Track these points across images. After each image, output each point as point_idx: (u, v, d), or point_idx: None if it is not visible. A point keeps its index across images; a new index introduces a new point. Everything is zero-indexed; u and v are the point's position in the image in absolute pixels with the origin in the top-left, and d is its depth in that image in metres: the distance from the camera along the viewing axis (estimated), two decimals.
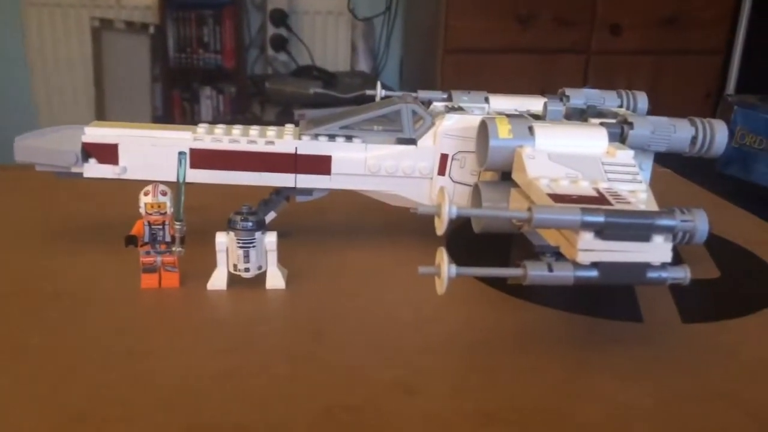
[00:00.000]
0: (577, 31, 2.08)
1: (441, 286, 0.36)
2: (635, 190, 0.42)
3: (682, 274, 0.36)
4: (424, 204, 0.52)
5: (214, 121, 2.08)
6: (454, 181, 0.51)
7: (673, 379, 0.38)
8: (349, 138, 0.51)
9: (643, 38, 2.08)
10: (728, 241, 0.59)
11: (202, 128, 0.51)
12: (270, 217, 0.53)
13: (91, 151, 0.50)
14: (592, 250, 0.35)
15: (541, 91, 1.85)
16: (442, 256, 0.36)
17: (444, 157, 0.51)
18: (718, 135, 0.47)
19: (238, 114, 2.28)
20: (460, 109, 0.54)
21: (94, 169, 0.50)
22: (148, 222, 0.45)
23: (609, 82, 2.11)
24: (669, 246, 0.35)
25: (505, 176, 0.47)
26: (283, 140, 0.50)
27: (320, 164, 0.51)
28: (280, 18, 2.30)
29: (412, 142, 0.51)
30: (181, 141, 0.50)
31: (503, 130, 0.45)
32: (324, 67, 2.30)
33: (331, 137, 0.51)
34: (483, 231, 0.48)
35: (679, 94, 2.13)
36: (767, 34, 2.04)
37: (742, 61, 1.91)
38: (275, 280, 0.46)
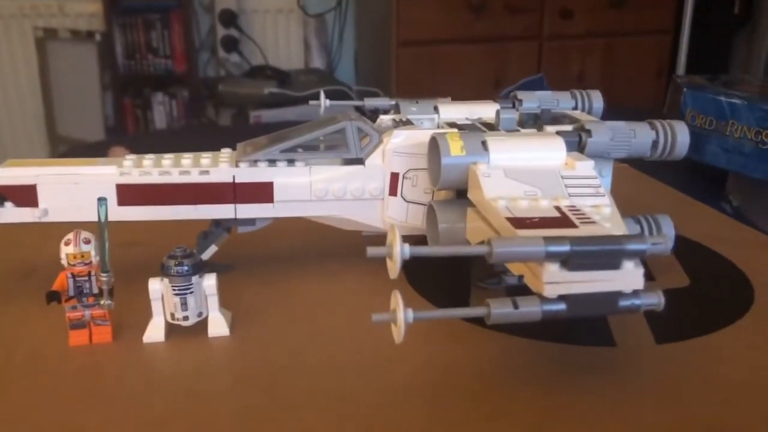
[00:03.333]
0: (528, 18, 2.07)
1: (398, 335, 0.32)
2: (598, 205, 0.39)
3: (656, 299, 0.33)
4: (376, 227, 0.49)
5: (168, 127, 2.03)
6: (407, 201, 0.48)
7: (650, 411, 0.36)
8: (291, 162, 0.47)
9: (594, 21, 2.08)
10: (692, 241, 0.56)
11: (129, 161, 0.47)
12: (211, 251, 0.49)
13: (6, 193, 0.45)
14: (559, 282, 0.32)
15: (496, 82, 1.83)
16: (397, 300, 0.32)
17: (395, 176, 0.47)
18: (680, 137, 0.44)
19: (193, 118, 2.22)
20: (408, 123, 0.50)
21: (11, 214, 0.46)
22: (72, 274, 0.40)
23: (563, 66, 2.11)
24: (640, 272, 0.32)
25: (461, 193, 0.43)
26: (219, 169, 0.46)
27: (261, 192, 0.47)
28: (230, 18, 2.25)
29: (359, 161, 0.47)
30: (107, 177, 0.46)
31: (455, 147, 0.42)
32: (278, 66, 2.26)
33: (272, 162, 0.47)
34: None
35: (632, 73, 2.13)
36: (713, 12, 2.05)
37: (690, 39, 1.91)
38: (218, 327, 0.42)
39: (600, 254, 0.32)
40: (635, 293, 0.32)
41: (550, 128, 0.47)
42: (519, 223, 0.35)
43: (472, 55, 2.10)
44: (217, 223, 0.49)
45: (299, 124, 0.50)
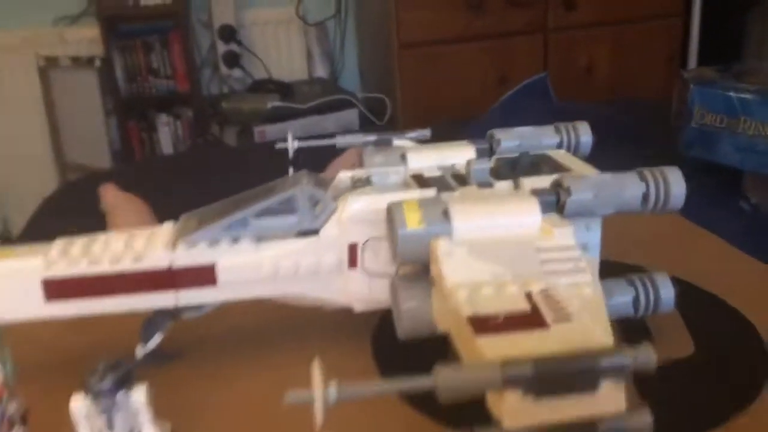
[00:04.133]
0: (530, 11, 2.01)
1: (318, 417, 0.27)
2: (578, 284, 0.33)
3: (644, 421, 0.27)
4: (337, 302, 0.43)
5: (174, 148, 2.00)
6: (369, 274, 0.42)
7: None
8: (235, 239, 0.42)
9: (599, 10, 2.01)
10: (703, 291, 0.49)
11: (56, 248, 0.42)
12: (155, 341, 0.44)
13: None
14: (523, 413, 0.26)
15: (501, 78, 1.77)
16: (317, 374, 0.27)
17: (353, 247, 0.42)
18: (674, 188, 0.38)
19: (199, 137, 2.19)
20: (367, 181, 0.45)
21: None
22: None
23: (570, 59, 2.03)
24: (622, 390, 0.27)
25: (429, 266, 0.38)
26: (154, 254, 0.41)
27: (203, 276, 0.42)
28: (229, 34, 2.20)
29: (313, 233, 0.42)
30: (31, 270, 0.41)
31: (412, 219, 0.36)
32: (281, 78, 2.21)
33: (214, 241, 0.41)
34: (408, 337, 0.39)
35: (642, 61, 2.06)
36: None
37: (702, 21, 1.84)
38: None
39: (571, 376, 0.26)
40: (617, 417, 0.27)
41: (527, 181, 0.41)
42: (481, 325, 0.30)
43: (474, 54, 2.04)
44: (160, 309, 0.44)
45: (249, 191, 0.45)
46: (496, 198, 0.39)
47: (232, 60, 2.23)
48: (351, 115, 2.10)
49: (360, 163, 0.50)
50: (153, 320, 0.44)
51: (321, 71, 2.35)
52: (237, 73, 2.25)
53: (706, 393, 0.40)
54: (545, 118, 0.50)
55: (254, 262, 0.42)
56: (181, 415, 0.40)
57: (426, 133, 0.53)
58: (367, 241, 0.42)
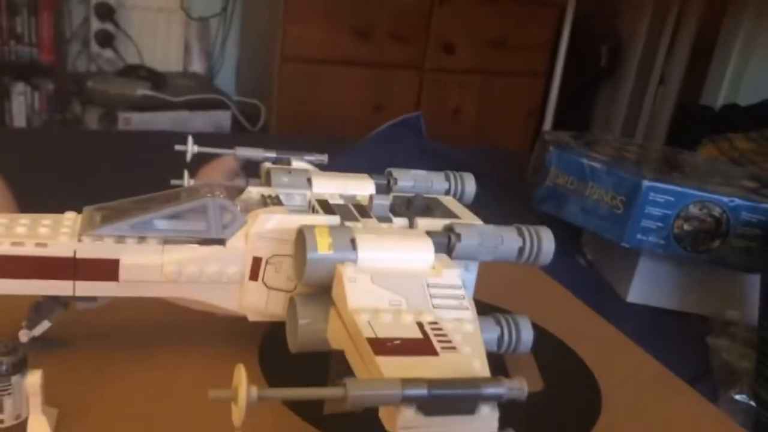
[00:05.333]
0: (412, 48, 2.10)
1: (238, 417, 0.29)
2: (461, 319, 0.38)
3: None
4: (232, 311, 0.46)
5: (27, 121, 1.87)
6: (268, 287, 0.45)
7: None
8: (142, 238, 0.43)
9: (474, 58, 2.15)
10: (552, 336, 0.57)
11: None
12: (42, 327, 0.44)
13: None
14: (413, 428, 0.30)
15: (376, 107, 1.83)
16: (241, 376, 0.29)
17: (257, 261, 0.44)
18: (545, 245, 0.44)
19: (56, 113, 2.08)
20: (277, 199, 0.48)
21: None
22: None
23: (441, 99, 2.15)
24: (496, 415, 0.32)
25: (327, 287, 0.41)
26: (59, 241, 0.42)
27: (105, 270, 0.42)
28: (107, 12, 2.12)
29: (219, 242, 0.44)
30: None
31: (323, 243, 0.40)
32: (154, 67, 2.15)
33: (120, 238, 0.43)
34: (300, 351, 0.42)
35: (505, 112, 2.22)
36: (584, 61, 2.17)
37: (561, 84, 2.01)
38: (39, 431, 0.38)
39: (457, 399, 0.30)
40: None
41: (422, 221, 0.46)
42: (380, 347, 0.34)
43: (355, 78, 2.10)
44: (53, 296, 0.44)
45: (157, 193, 0.46)
46: (395, 233, 0.44)
47: (105, 39, 2.14)
48: (223, 117, 2.08)
49: (232, 172, 0.52)
50: (42, 306, 0.44)
51: (197, 67, 2.32)
52: (108, 53, 2.17)
53: (554, 422, 0.46)
54: (415, 155, 0.56)
55: (158, 264, 0.43)
56: (68, 404, 0.40)
57: (323, 158, 0.57)
58: (271, 256, 0.44)
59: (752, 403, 0.84)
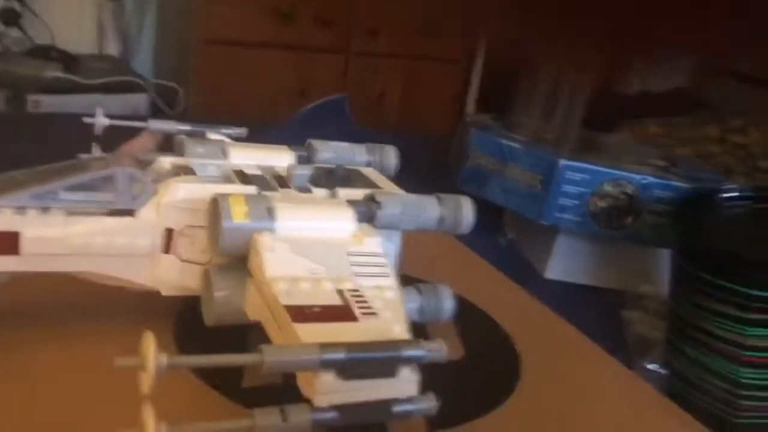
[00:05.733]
0: (336, 32, 2.09)
1: (147, 383, 0.28)
2: (382, 287, 0.37)
3: (430, 404, 0.32)
4: (144, 285, 0.44)
5: None
6: (181, 260, 0.43)
7: None
8: (45, 209, 0.41)
9: (399, 43, 2.15)
10: (472, 305, 0.57)
11: None
12: None
13: None
14: (333, 392, 0.30)
15: (301, 91, 1.81)
16: (149, 342, 0.28)
17: (169, 232, 0.43)
18: (465, 212, 0.45)
19: None
20: (189, 170, 0.46)
21: None
22: None
23: (367, 83, 2.15)
24: (416, 378, 0.31)
25: (244, 257, 0.40)
26: None
27: (4, 243, 0.40)
28: None
29: (129, 213, 0.42)
30: None
31: (238, 212, 0.39)
32: (65, 49, 2.06)
33: (20, 208, 0.40)
34: (217, 323, 0.41)
35: (429, 96, 2.23)
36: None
37: (485, 68, 2.04)
38: None
39: (376, 362, 0.30)
40: (409, 399, 0.31)
41: (343, 192, 0.45)
42: (298, 314, 0.33)
43: (277, 62, 2.07)
44: None
45: (63, 163, 0.44)
46: (315, 203, 0.43)
47: (11, 17, 2.04)
48: (140, 100, 2.01)
49: (154, 148, 0.50)
50: None
51: (112, 49, 2.23)
52: (14, 32, 2.06)
53: (474, 389, 0.47)
54: (341, 138, 0.55)
55: (62, 236, 0.41)
56: None
57: (242, 131, 0.55)
58: (184, 228, 0.43)
59: (663, 371, 0.87)
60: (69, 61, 1.98)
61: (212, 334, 0.42)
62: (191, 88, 2.03)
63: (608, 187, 0.98)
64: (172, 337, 0.46)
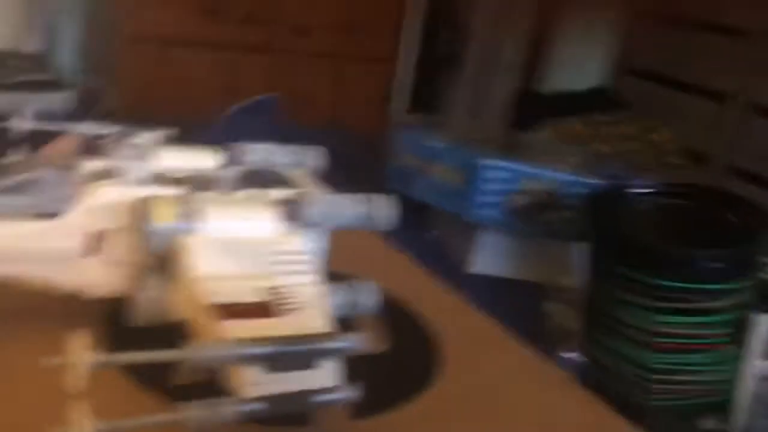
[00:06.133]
0: (264, 30, 2.08)
1: (77, 381, 0.29)
2: (305, 284, 0.39)
3: (351, 394, 0.34)
4: (68, 289, 0.44)
5: None
6: (107, 262, 0.44)
7: None
8: None
9: (327, 42, 2.15)
10: (396, 300, 0.59)
11: None
12: None
13: None
14: (256, 384, 0.31)
15: (227, 90, 1.80)
16: (79, 341, 0.29)
17: (94, 235, 0.43)
18: (388, 210, 0.47)
19: None
20: (115, 173, 0.46)
21: None
22: None
23: (292, 83, 2.14)
24: (337, 369, 0.33)
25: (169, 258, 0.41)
26: None
27: None
28: None
29: (54, 216, 0.43)
30: None
31: (164, 213, 0.40)
32: None
33: None
34: (143, 324, 0.42)
35: (358, 96, 2.25)
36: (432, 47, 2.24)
37: (417, 66, 2.07)
38: None
39: (298, 355, 0.32)
40: (331, 389, 0.33)
41: (268, 192, 0.46)
42: (222, 312, 0.34)
43: (203, 60, 2.05)
44: None
45: None
46: (241, 203, 0.44)
47: None
48: (62, 98, 1.96)
49: (77, 151, 0.50)
50: None
51: (32, 46, 2.16)
52: None
53: (396, 379, 0.49)
54: (270, 137, 0.56)
55: None
56: None
57: (170, 132, 0.56)
58: (109, 230, 0.43)
59: (580, 359, 0.92)
60: None
61: (139, 335, 0.42)
62: (116, 87, 1.99)
63: (527, 185, 1.03)
64: (100, 338, 0.46)
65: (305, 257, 0.41)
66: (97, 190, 0.43)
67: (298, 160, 0.55)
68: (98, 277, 0.44)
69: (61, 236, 0.43)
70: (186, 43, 2.01)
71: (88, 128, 0.53)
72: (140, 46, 1.97)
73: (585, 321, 0.95)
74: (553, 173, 1.03)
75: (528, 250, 1.10)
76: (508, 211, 1.03)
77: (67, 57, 2.20)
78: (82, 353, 0.28)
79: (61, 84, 1.94)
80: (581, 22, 2.14)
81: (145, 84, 1.99)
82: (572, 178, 1.04)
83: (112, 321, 0.48)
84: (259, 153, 0.53)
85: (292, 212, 0.44)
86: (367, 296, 0.45)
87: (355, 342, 0.33)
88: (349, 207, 0.46)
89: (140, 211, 0.40)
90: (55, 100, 1.96)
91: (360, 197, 0.47)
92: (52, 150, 0.63)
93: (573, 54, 2.19)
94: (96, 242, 0.43)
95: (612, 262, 0.89)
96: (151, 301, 0.41)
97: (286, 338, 0.32)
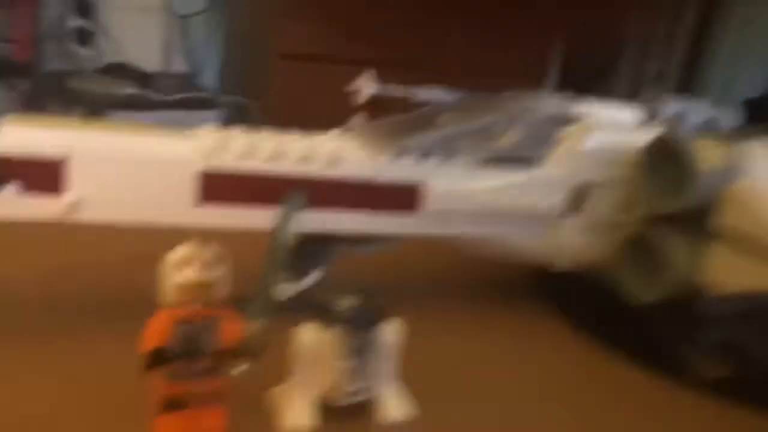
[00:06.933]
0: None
1: None
2: None
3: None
4: (540, 257, 0.36)
5: None
6: (590, 223, 0.35)
7: None
8: (446, 158, 0.33)
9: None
10: None
11: (208, 135, 0.30)
12: (313, 278, 0.33)
13: (11, 170, 0.27)
14: None
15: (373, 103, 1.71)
16: None
17: (580, 189, 0.35)
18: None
19: (34, 113, 1.91)
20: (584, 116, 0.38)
21: (15, 204, 0.27)
22: (182, 318, 0.23)
23: None
24: None
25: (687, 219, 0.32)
26: (355, 159, 0.31)
27: (403, 198, 0.32)
28: (85, 8, 1.98)
29: (533, 164, 0.34)
30: (184, 158, 0.29)
31: (711, 159, 0.31)
32: (135, 66, 2.02)
33: (424, 155, 0.32)
34: (669, 297, 0.33)
35: None
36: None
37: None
38: (396, 406, 0.27)
39: None
40: None
41: None
42: None
43: (351, 75, 2.01)
44: (314, 238, 0.33)
45: (441, 105, 0.36)
46: None
47: (85, 36, 2.00)
48: (212, 115, 1.97)
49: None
50: (304, 251, 0.33)
51: (179, 65, 2.19)
52: (85, 51, 2.02)
53: None
54: None
55: (468, 191, 0.33)
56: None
57: None
58: (595, 183, 0.35)
59: None
60: (142, 78, 1.93)
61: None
62: (265, 102, 1.97)
63: None
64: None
65: None
66: (580, 136, 0.34)
67: (713, 118, 0.46)
68: (576, 243, 0.35)
69: (542, 189, 0.34)
70: (333, 60, 1.98)
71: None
72: (290, 62, 1.96)
73: None
74: None
75: None
76: None
77: (210, 77, 2.21)
78: None
79: (212, 102, 1.94)
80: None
81: (295, 99, 1.97)
82: None
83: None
84: (675, 109, 0.44)
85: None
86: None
87: None
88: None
89: (672, 154, 0.31)
90: (208, 117, 1.96)
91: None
92: None
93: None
94: (579, 198, 0.35)
95: None
96: (686, 270, 0.32)
97: None
